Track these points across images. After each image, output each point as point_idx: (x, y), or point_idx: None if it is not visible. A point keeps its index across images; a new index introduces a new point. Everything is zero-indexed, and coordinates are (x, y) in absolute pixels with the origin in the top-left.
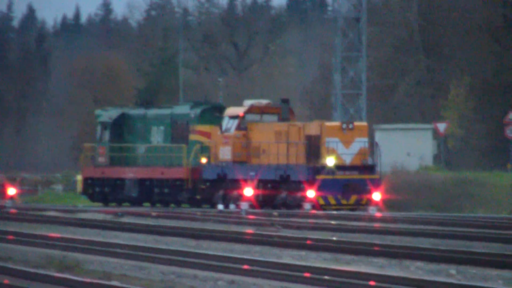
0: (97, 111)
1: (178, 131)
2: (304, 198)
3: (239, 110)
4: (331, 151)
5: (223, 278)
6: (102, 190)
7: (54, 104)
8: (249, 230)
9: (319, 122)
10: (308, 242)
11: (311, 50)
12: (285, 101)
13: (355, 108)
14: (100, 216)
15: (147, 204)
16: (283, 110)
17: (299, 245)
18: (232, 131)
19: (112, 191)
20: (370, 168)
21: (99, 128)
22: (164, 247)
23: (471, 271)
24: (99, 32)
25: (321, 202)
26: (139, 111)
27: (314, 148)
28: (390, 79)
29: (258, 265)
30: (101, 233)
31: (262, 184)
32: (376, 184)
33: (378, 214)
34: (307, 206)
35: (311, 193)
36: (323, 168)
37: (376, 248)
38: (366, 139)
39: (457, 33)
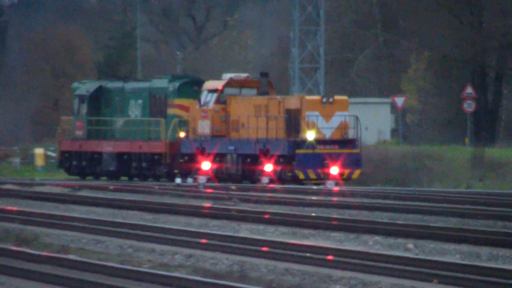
0: (74, 84)
1: (156, 105)
2: (285, 172)
3: (218, 84)
4: (311, 125)
5: (181, 252)
6: (79, 164)
7: (11, 77)
8: (207, 204)
9: (299, 95)
10: (266, 216)
11: (269, 23)
12: (264, 74)
13: (313, 82)
14: (57, 190)
15: (125, 178)
16: (262, 84)
17: (256, 219)
18: (211, 105)
19: (90, 164)
20: (351, 142)
21: (76, 101)
22: (121, 220)
23: (428, 245)
24: (57, 5)
25: (301, 176)
26: (117, 84)
27: (294, 122)
28: (348, 53)
29: (216, 239)
30: (59, 207)
31: (241, 158)
32: (357, 158)
33: (336, 188)
34: (265, 180)
35: (268, 167)
36: (303, 142)
37: (334, 223)
38: (346, 113)
39: (416, 8)
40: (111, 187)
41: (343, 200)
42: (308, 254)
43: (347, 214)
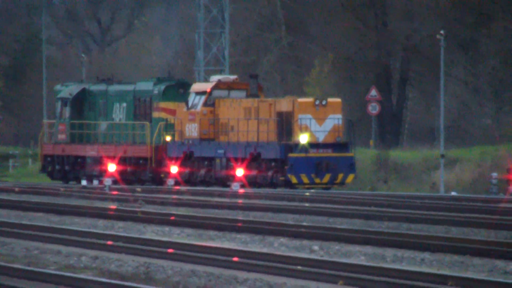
0: (57, 87)
1: (141, 108)
2: (276, 176)
3: (206, 86)
4: (304, 128)
5: (87, 254)
6: (62, 167)
7: None
8: (113, 205)
9: (291, 98)
10: (172, 218)
11: (174, 26)
12: (254, 76)
13: None
14: None
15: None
16: (252, 86)
17: (162, 220)
18: (199, 107)
19: (73, 169)
20: (344, 146)
21: (59, 104)
22: (27, 222)
23: (334, 247)
24: None
25: (294, 180)
26: (101, 87)
27: (286, 125)
28: (252, 55)
29: (122, 241)
30: None
31: (230, 162)
32: (351, 162)
33: (241, 191)
34: (170, 182)
35: (174, 169)
36: (295, 146)
37: (239, 224)
38: (340, 116)
39: (320, 11)
40: (17, 189)
41: (248, 202)
42: (214, 256)
43: (253, 216)
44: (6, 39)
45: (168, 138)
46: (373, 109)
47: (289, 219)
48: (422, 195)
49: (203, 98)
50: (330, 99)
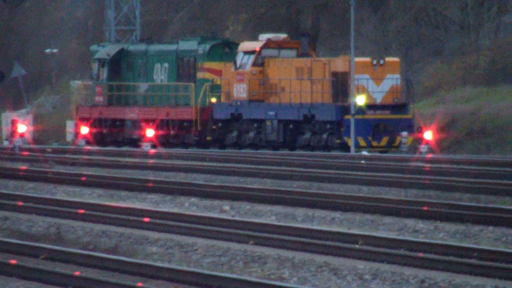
0: (93, 47)
1: (184, 69)
2: (332, 139)
3: (255, 45)
4: (361, 89)
5: None
6: (99, 131)
7: None
8: (23, 166)
9: (347, 57)
10: (83, 178)
11: None
12: (306, 35)
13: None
14: None
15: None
16: (303, 45)
17: (73, 181)
18: (248, 67)
19: (110, 132)
20: (403, 107)
21: (95, 65)
22: None
23: (244, 207)
24: None
25: (351, 144)
26: (140, 47)
27: (341, 85)
28: (163, 15)
29: (32, 201)
30: None
31: (282, 124)
32: (409, 124)
33: (152, 151)
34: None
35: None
36: (352, 108)
37: (150, 185)
38: (398, 76)
39: None
40: None
41: (159, 162)
42: (125, 217)
43: (164, 176)
44: None
45: (213, 100)
46: None
47: (200, 179)
48: (333, 155)
49: (252, 57)
50: (388, 59)
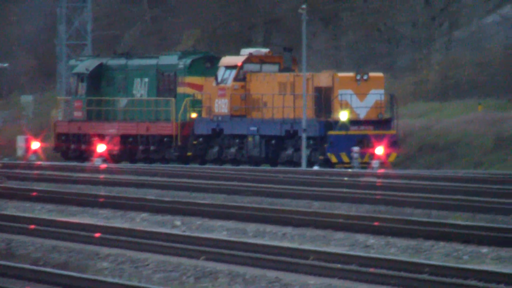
0: (72, 61)
1: (164, 83)
2: (315, 155)
3: (237, 60)
4: (345, 105)
5: None
6: (78, 147)
7: None
8: None
9: (331, 72)
10: (34, 193)
11: None
12: (288, 49)
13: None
14: None
15: (127, 162)
16: (286, 60)
17: (24, 196)
18: (229, 82)
19: (89, 148)
20: (387, 123)
21: (74, 79)
22: None
23: (196, 222)
24: None
25: (334, 159)
26: (119, 61)
27: (325, 101)
28: (115, 29)
29: None
30: None
31: (264, 140)
32: (394, 140)
33: (103, 166)
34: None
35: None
36: (335, 123)
37: (101, 200)
38: (382, 91)
39: None
40: None
41: (110, 177)
42: (76, 232)
43: (115, 191)
44: None
45: (193, 115)
46: None
47: (151, 194)
48: (285, 169)
49: (234, 72)
50: (372, 74)
